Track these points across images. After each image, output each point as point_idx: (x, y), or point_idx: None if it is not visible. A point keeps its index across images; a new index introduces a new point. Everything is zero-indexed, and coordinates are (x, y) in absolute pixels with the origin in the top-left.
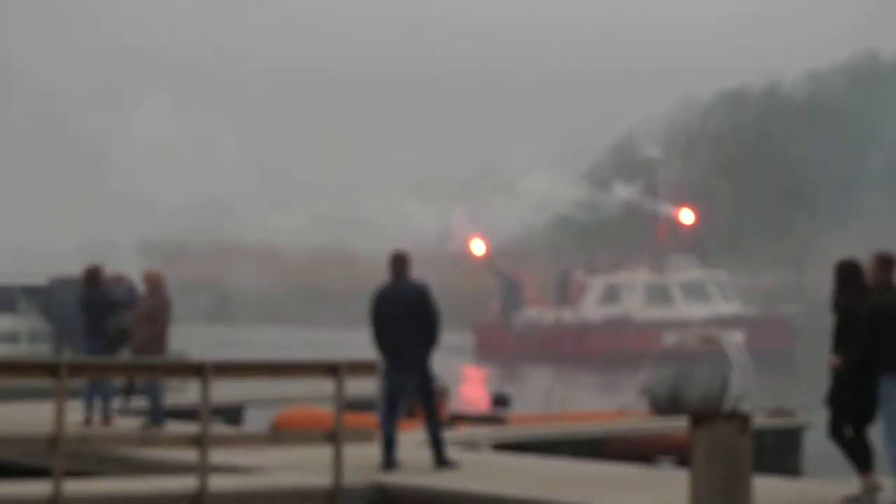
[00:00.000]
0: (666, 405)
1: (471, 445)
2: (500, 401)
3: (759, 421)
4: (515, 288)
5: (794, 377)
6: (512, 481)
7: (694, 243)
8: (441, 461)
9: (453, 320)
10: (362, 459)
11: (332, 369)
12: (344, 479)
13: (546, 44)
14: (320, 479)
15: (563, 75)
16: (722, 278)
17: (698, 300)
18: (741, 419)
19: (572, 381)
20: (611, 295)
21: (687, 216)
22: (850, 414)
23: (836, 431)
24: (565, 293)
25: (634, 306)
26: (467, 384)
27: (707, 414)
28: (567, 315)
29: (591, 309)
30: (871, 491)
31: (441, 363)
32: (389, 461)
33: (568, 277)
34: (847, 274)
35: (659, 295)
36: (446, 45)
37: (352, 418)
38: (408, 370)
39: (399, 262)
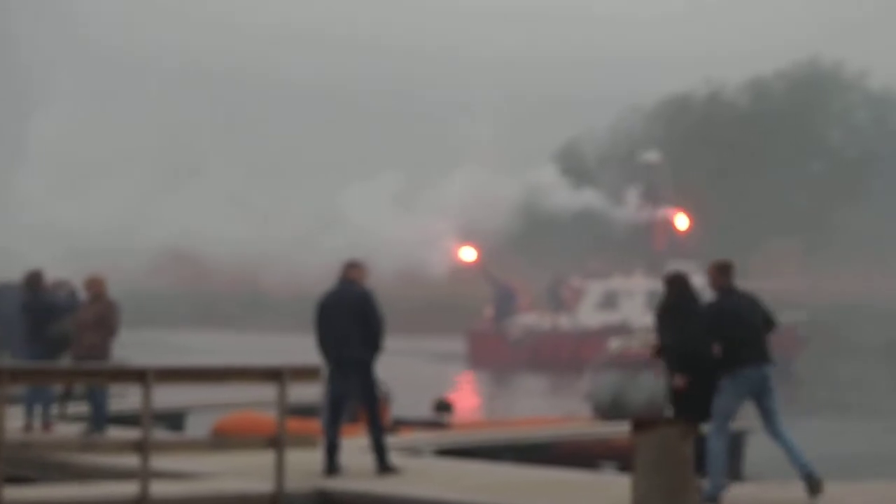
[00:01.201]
0: (609, 410)
1: (414, 451)
2: (441, 407)
3: (702, 426)
4: (509, 294)
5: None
6: (454, 487)
7: (690, 248)
8: (384, 467)
9: (445, 327)
10: (305, 465)
11: (275, 375)
12: (286, 485)
13: (490, 65)
14: (263, 484)
15: (508, 91)
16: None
17: None
18: (683, 424)
19: (567, 387)
20: (609, 301)
21: (681, 221)
22: (695, 412)
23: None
24: (559, 299)
25: (634, 312)
26: (457, 392)
27: (649, 419)
28: (564, 321)
29: (590, 315)
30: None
31: (434, 371)
32: (332, 467)
33: (560, 283)
34: (675, 285)
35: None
36: (378, 60)
37: (295, 424)
38: (351, 375)
39: (349, 269)
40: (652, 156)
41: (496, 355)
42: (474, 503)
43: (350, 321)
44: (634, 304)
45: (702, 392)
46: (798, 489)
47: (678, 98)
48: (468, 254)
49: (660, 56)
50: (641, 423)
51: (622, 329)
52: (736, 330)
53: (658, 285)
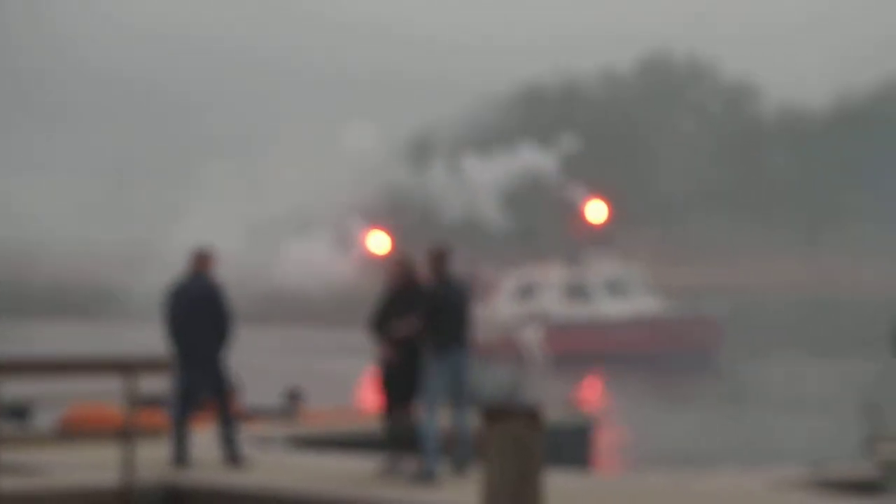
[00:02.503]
0: None
1: (264, 441)
2: (292, 396)
3: (553, 417)
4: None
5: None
6: (303, 477)
7: (606, 237)
8: (233, 458)
9: (355, 320)
10: (154, 457)
11: (124, 366)
12: (135, 478)
13: (344, 41)
14: (111, 477)
15: (357, 74)
16: (642, 274)
17: (618, 297)
18: (532, 415)
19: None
20: (526, 292)
21: (597, 211)
22: (401, 394)
23: (391, 413)
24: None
25: (552, 304)
26: (362, 386)
27: (500, 410)
28: (480, 313)
29: (507, 307)
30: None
31: (345, 365)
32: (181, 458)
33: (473, 274)
34: (401, 269)
35: (577, 292)
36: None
37: (143, 415)
38: (200, 367)
39: (198, 259)
40: (569, 142)
41: None
42: (321, 493)
43: (199, 313)
44: (552, 295)
45: (411, 373)
46: (651, 478)
47: (532, 87)
48: (379, 243)
49: (509, 42)
50: (492, 414)
51: (540, 320)
52: (443, 315)
53: (577, 276)
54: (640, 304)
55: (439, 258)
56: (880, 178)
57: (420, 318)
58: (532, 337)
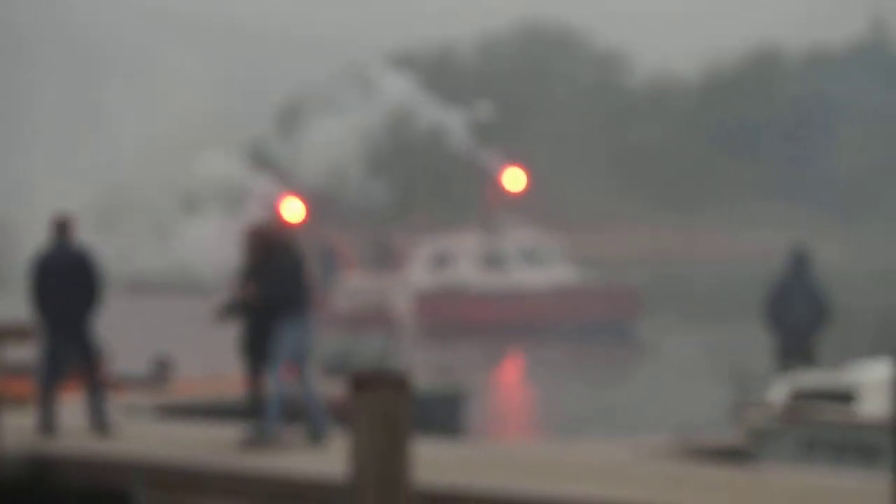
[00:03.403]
0: (334, 369)
1: (131, 410)
2: (160, 363)
3: (422, 386)
4: (330, 254)
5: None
6: (168, 446)
7: (523, 205)
8: (100, 426)
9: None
10: (20, 425)
11: None
12: (1, 446)
13: None
14: None
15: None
16: (560, 242)
17: (535, 266)
18: (400, 384)
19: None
20: (440, 261)
21: (515, 180)
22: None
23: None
24: (388, 258)
25: (467, 273)
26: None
27: (368, 378)
28: (393, 284)
29: (420, 276)
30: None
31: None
32: (48, 426)
33: (386, 241)
34: (255, 240)
35: (493, 260)
36: None
37: (9, 383)
38: (68, 334)
39: (62, 227)
40: (484, 108)
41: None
42: (185, 461)
43: (70, 280)
44: (468, 264)
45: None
46: (519, 447)
47: (405, 54)
48: (294, 211)
49: (381, 7)
50: (361, 382)
51: (458, 290)
52: (280, 280)
53: (493, 244)
54: (557, 273)
55: (257, 236)
56: (752, 146)
57: (257, 283)
58: (403, 305)
